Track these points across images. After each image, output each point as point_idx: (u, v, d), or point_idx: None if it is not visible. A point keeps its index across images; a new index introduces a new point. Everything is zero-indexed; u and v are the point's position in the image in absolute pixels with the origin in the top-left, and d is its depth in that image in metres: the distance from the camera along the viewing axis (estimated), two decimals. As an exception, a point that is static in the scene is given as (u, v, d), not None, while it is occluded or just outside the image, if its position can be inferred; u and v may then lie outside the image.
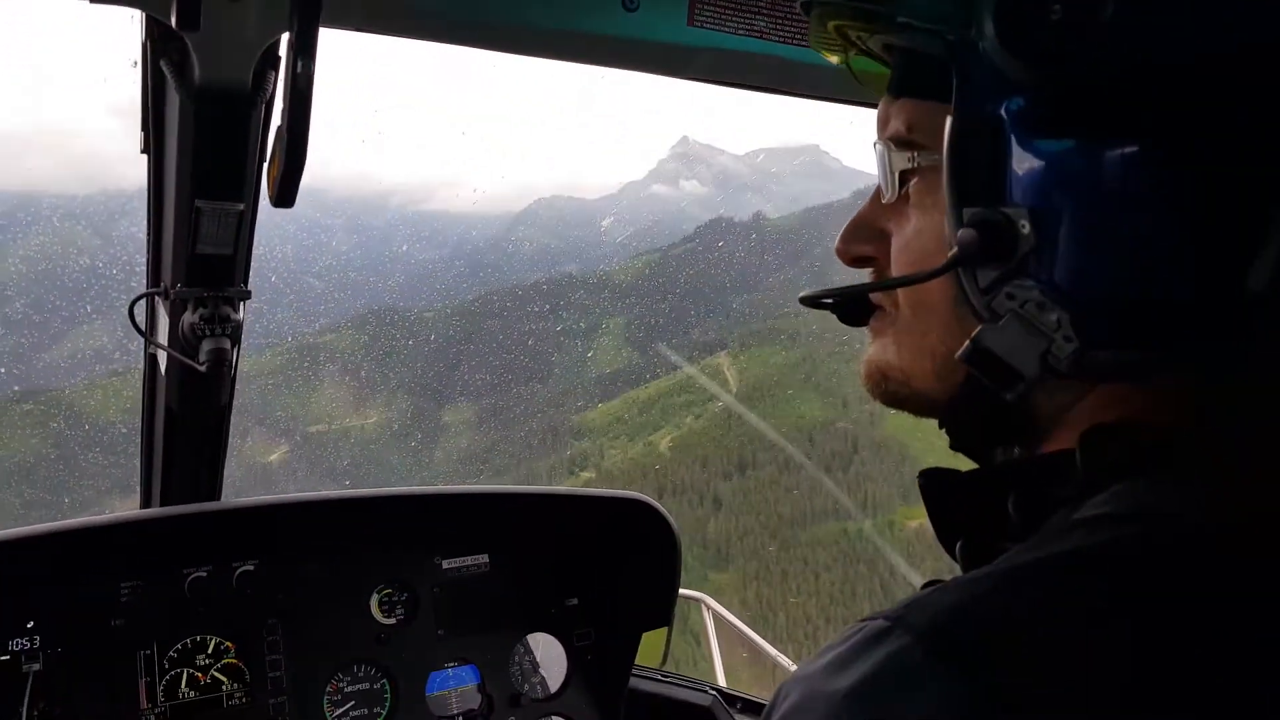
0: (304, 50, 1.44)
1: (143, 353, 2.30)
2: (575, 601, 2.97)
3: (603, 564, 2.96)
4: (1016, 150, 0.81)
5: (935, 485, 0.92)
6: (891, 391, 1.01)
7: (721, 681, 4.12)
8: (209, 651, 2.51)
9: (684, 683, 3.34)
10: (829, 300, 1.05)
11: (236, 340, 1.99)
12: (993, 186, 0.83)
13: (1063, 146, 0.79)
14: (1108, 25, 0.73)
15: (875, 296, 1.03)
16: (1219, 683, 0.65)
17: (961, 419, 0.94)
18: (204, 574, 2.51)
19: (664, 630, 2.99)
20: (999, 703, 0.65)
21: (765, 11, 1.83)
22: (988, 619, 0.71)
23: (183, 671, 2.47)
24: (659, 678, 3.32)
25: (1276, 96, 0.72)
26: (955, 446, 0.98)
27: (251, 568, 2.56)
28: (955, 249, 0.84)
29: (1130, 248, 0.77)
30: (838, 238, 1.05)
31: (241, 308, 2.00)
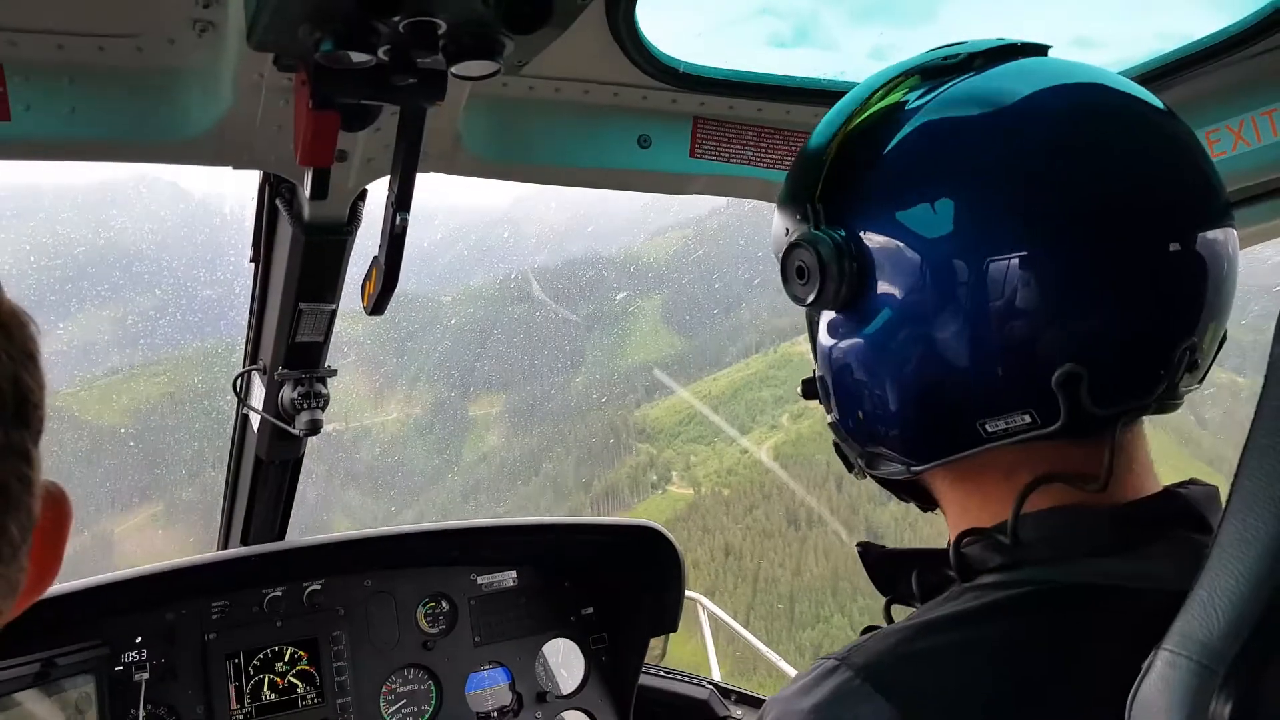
0: (402, 205, 1.86)
1: (235, 413, 2.75)
2: (591, 610, 3.43)
3: (616, 579, 3.41)
4: (819, 335, 1.27)
5: (868, 554, 1.32)
6: None
7: (716, 676, 4.57)
8: (286, 659, 2.96)
9: (684, 678, 3.78)
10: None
11: (325, 409, 2.44)
12: (818, 353, 1.28)
13: (827, 338, 1.24)
14: (823, 287, 1.16)
15: None
16: (1055, 699, 0.98)
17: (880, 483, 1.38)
18: (279, 593, 2.96)
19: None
20: (913, 717, 0.96)
21: (751, 144, 2.28)
22: (905, 658, 1.01)
23: (264, 677, 2.92)
24: (661, 673, 3.77)
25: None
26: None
27: (318, 587, 3.01)
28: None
29: (858, 407, 1.22)
30: None
31: (329, 383, 2.46)
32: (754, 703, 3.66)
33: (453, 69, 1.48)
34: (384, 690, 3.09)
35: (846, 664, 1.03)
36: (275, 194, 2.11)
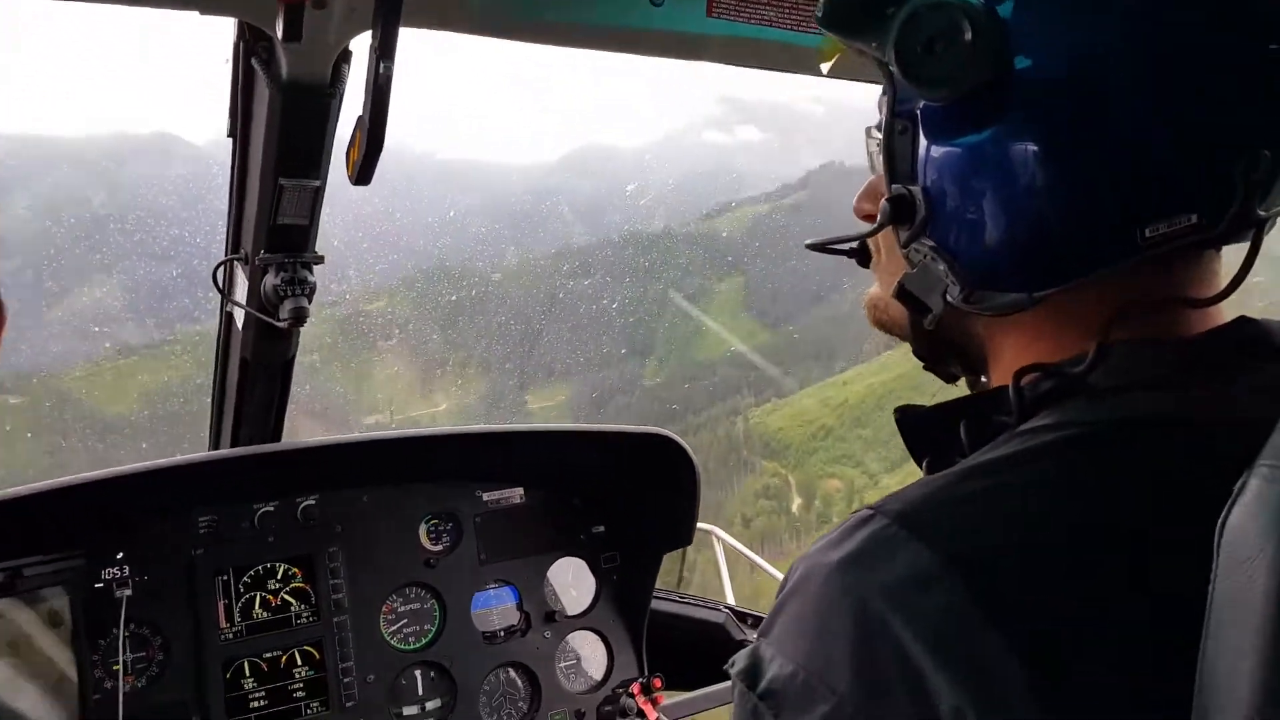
0: (385, 53, 1.68)
1: (219, 310, 2.57)
2: (602, 529, 3.27)
3: (627, 494, 3.24)
4: (919, 143, 1.08)
5: (906, 417, 1.16)
6: (878, 319, 1.27)
7: (731, 601, 4.44)
8: (279, 577, 2.80)
9: (700, 602, 3.66)
10: (837, 247, 1.32)
11: (310, 298, 2.26)
12: (906, 169, 1.10)
13: (940, 143, 1.05)
14: (969, 57, 0.97)
15: (872, 244, 1.28)
16: (1121, 535, 0.87)
17: (917, 342, 1.21)
18: (271, 508, 2.79)
19: (679, 555, 3.29)
20: (954, 562, 0.86)
21: (774, 3, 2.06)
22: (945, 502, 0.92)
23: (256, 595, 2.77)
24: (677, 599, 3.64)
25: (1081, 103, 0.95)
26: (926, 367, 1.25)
27: (313, 501, 2.85)
28: (881, 215, 1.12)
29: (985, 218, 1.03)
30: (855, 196, 1.30)
31: (315, 270, 2.27)
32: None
33: None
34: (384, 609, 2.94)
35: (881, 512, 0.93)
36: (251, 52, 1.91)
